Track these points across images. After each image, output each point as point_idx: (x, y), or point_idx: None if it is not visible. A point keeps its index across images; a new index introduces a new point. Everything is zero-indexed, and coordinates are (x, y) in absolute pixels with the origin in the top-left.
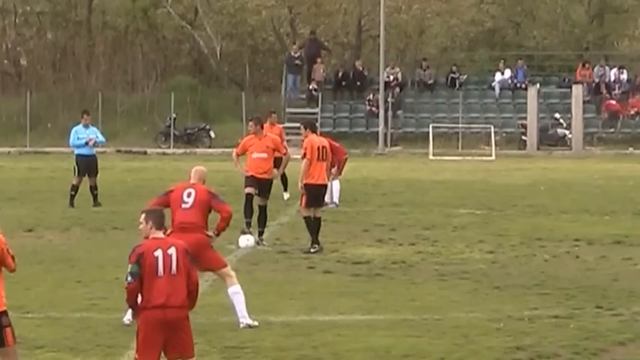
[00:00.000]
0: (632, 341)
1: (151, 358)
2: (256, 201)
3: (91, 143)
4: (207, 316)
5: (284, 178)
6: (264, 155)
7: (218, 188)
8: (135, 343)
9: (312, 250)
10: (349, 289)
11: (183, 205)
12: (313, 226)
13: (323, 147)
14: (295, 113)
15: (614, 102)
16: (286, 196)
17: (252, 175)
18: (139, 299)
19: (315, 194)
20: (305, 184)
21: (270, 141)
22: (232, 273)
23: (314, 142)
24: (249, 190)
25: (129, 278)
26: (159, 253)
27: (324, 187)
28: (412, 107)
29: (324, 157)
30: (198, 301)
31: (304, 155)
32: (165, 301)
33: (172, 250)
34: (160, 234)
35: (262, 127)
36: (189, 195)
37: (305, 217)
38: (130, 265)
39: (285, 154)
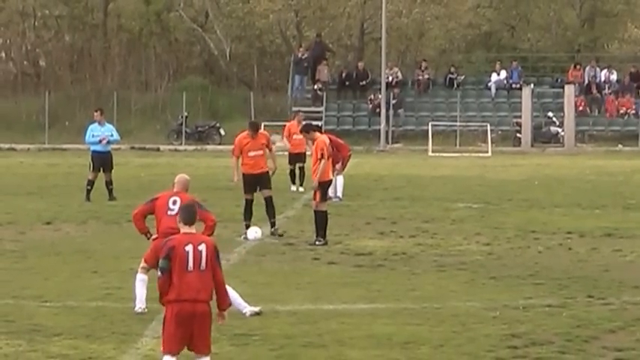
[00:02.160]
0: (622, 329)
1: (177, 350)
2: (262, 195)
3: (103, 142)
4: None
5: (302, 173)
6: (260, 152)
7: (227, 184)
8: (152, 332)
9: (317, 243)
10: (352, 279)
11: (169, 212)
12: (326, 220)
13: (329, 144)
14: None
15: (582, 103)
16: (294, 188)
17: (250, 174)
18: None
19: (327, 190)
20: (321, 182)
21: (263, 138)
22: None
23: (326, 141)
24: (247, 197)
25: (158, 273)
26: (190, 247)
27: (331, 182)
28: (412, 106)
29: (331, 154)
30: None
31: (322, 156)
32: (195, 295)
33: (203, 247)
34: (191, 229)
35: (257, 131)
36: (174, 202)
37: (322, 212)
38: (160, 260)
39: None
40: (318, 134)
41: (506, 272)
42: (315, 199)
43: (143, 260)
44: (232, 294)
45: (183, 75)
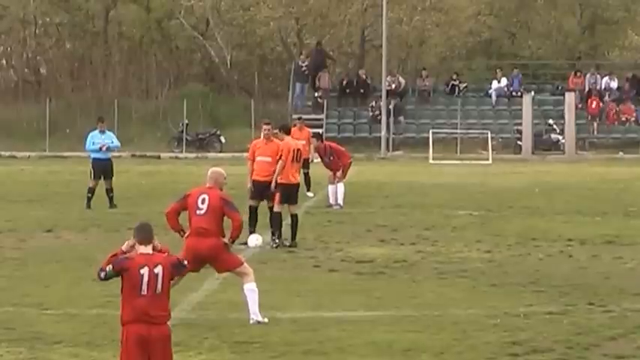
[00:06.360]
0: (623, 336)
1: None
2: (264, 204)
3: (103, 149)
4: (218, 313)
5: (307, 179)
6: (269, 159)
7: (228, 191)
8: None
9: (273, 245)
10: (353, 286)
11: (198, 211)
12: (280, 222)
13: (295, 151)
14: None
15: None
16: (310, 194)
17: (256, 180)
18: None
19: (290, 193)
20: (280, 184)
21: (275, 146)
22: (249, 270)
23: (290, 147)
24: (251, 203)
25: (102, 275)
26: (145, 270)
27: (294, 186)
28: (413, 114)
29: (299, 158)
30: (209, 297)
31: (280, 157)
32: (149, 318)
33: (159, 269)
34: (147, 249)
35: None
36: (203, 201)
37: (277, 213)
38: (108, 267)
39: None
40: (286, 137)
41: (507, 280)
42: (272, 199)
43: None
44: (253, 296)
45: (183, 82)
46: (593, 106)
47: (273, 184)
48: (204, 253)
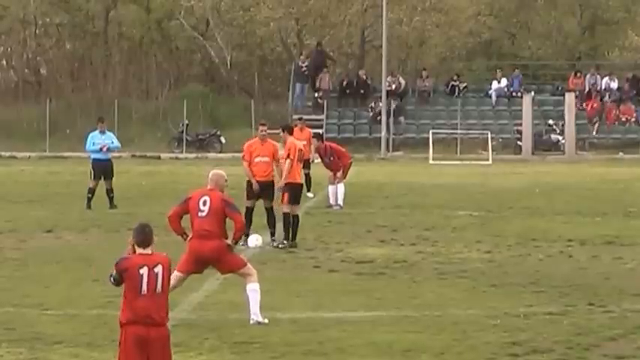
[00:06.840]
0: (623, 337)
1: None
2: (262, 204)
3: (104, 149)
4: (218, 313)
5: (308, 179)
6: (267, 159)
7: (228, 192)
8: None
9: (280, 246)
10: (353, 287)
11: (200, 214)
12: (289, 223)
13: (299, 150)
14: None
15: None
16: (310, 195)
17: (257, 181)
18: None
19: (296, 193)
20: (287, 183)
21: (271, 146)
22: (253, 271)
23: (296, 145)
24: (249, 204)
25: (112, 280)
26: (144, 270)
27: (301, 186)
28: (413, 114)
29: (301, 158)
30: (210, 298)
31: (287, 156)
32: (149, 319)
33: (159, 269)
34: (146, 250)
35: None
36: (204, 203)
37: (285, 214)
38: (114, 272)
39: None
40: (289, 138)
41: (507, 280)
42: (282, 200)
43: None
44: (255, 296)
45: (184, 83)
46: (593, 106)
47: (281, 184)
48: (207, 255)
